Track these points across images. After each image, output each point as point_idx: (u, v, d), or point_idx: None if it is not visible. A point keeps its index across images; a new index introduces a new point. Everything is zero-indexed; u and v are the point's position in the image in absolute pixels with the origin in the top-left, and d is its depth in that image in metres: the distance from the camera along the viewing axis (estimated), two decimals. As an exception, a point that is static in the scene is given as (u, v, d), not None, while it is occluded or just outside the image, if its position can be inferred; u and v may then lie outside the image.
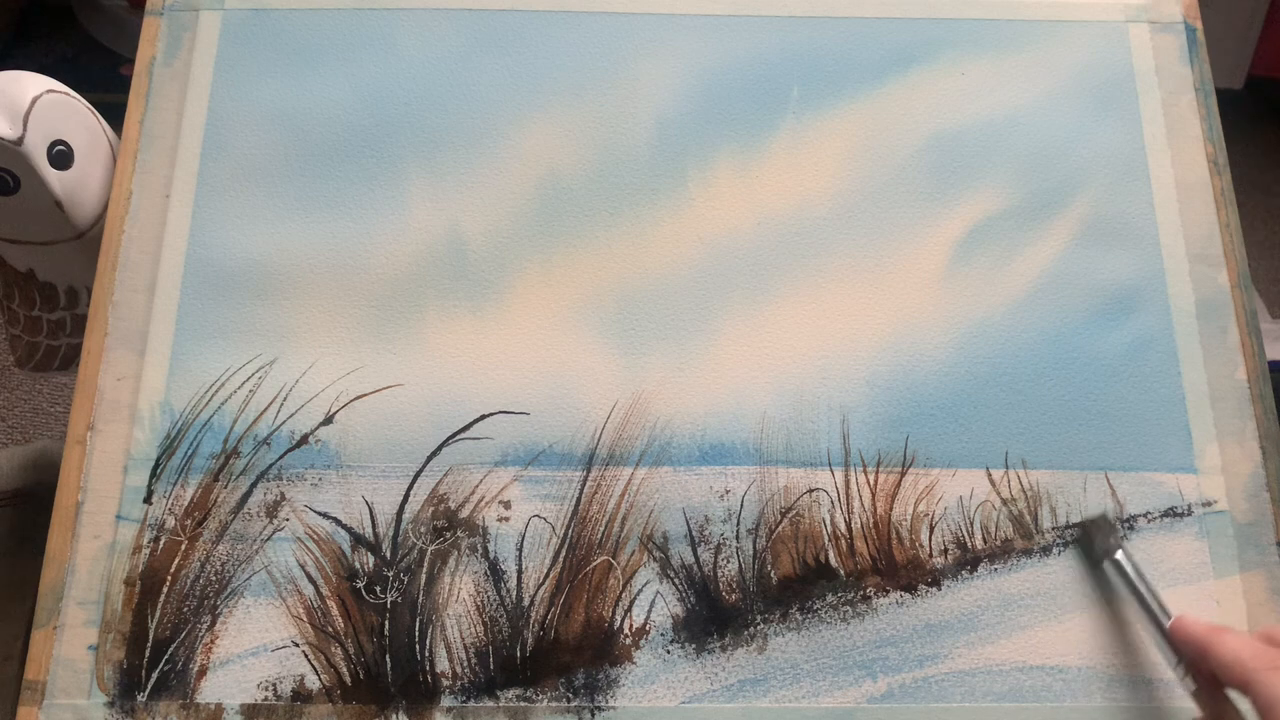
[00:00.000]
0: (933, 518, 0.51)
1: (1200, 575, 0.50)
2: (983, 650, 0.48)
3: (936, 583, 0.50)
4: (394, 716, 0.47)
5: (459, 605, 0.49)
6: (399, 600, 0.49)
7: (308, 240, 0.55)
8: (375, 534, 0.50)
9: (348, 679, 0.48)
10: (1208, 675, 0.42)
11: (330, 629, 0.48)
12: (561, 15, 0.59)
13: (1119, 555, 0.47)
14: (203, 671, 0.47)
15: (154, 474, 0.50)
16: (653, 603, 0.49)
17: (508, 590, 0.49)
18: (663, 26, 0.59)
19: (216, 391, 0.52)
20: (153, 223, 0.55)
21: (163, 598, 0.49)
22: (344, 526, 0.50)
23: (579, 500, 0.50)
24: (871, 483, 0.51)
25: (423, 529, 0.50)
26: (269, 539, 0.50)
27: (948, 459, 0.51)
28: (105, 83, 1.30)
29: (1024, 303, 0.54)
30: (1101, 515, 0.50)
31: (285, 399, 0.52)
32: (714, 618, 0.49)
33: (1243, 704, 0.40)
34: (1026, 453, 0.52)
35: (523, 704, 0.47)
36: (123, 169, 0.55)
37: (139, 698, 0.47)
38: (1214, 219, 0.55)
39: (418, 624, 0.49)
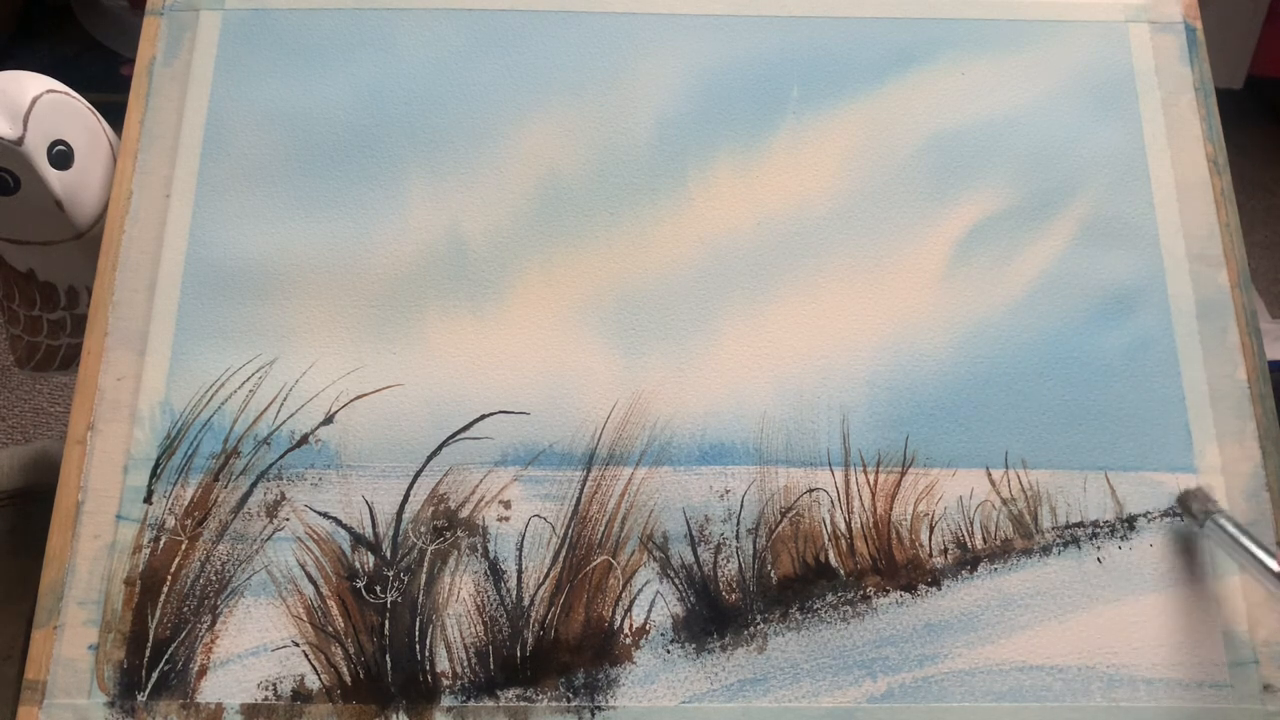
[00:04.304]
0: (933, 518, 0.51)
1: (1200, 575, 0.50)
2: (983, 650, 0.49)
3: (936, 583, 0.50)
4: (394, 716, 0.47)
5: (459, 605, 0.49)
6: (399, 600, 0.49)
7: (308, 240, 0.55)
8: (375, 534, 0.50)
9: (348, 679, 0.48)
10: None
11: (330, 629, 0.48)
12: (561, 15, 0.59)
13: (1219, 517, 0.48)
14: (203, 671, 0.48)
15: (154, 474, 0.50)
16: (653, 602, 0.49)
17: (508, 590, 0.49)
18: (663, 26, 0.59)
19: (216, 391, 0.52)
20: (153, 223, 0.55)
21: (163, 597, 0.49)
22: (344, 526, 0.50)
23: (579, 500, 0.50)
24: (871, 482, 0.51)
25: (423, 529, 0.50)
26: (269, 539, 0.50)
27: (948, 459, 0.51)
28: (105, 83, 1.30)
29: (1024, 303, 0.54)
30: (1196, 487, 0.51)
31: (285, 399, 0.52)
32: (714, 618, 0.49)
33: None
34: (1026, 452, 0.52)
35: (523, 704, 0.47)
36: (123, 169, 0.55)
37: (139, 697, 0.47)
38: (1214, 219, 0.55)
39: (418, 624, 0.49)
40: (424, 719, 0.47)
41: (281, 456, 0.51)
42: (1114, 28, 0.60)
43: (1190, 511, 0.50)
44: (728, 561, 0.50)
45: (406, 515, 0.50)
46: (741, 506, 0.51)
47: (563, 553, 0.50)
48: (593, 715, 0.47)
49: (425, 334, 0.53)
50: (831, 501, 0.51)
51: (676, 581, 0.49)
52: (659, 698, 0.48)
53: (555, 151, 0.57)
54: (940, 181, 0.56)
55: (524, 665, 0.48)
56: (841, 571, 0.50)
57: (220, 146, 0.56)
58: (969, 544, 0.50)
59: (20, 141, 0.52)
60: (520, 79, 0.58)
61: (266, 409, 0.52)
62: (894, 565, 0.50)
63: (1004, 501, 0.51)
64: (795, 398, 0.52)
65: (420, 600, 0.49)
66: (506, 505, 0.50)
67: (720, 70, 0.58)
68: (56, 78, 0.55)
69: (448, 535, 0.50)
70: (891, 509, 0.51)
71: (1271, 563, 0.44)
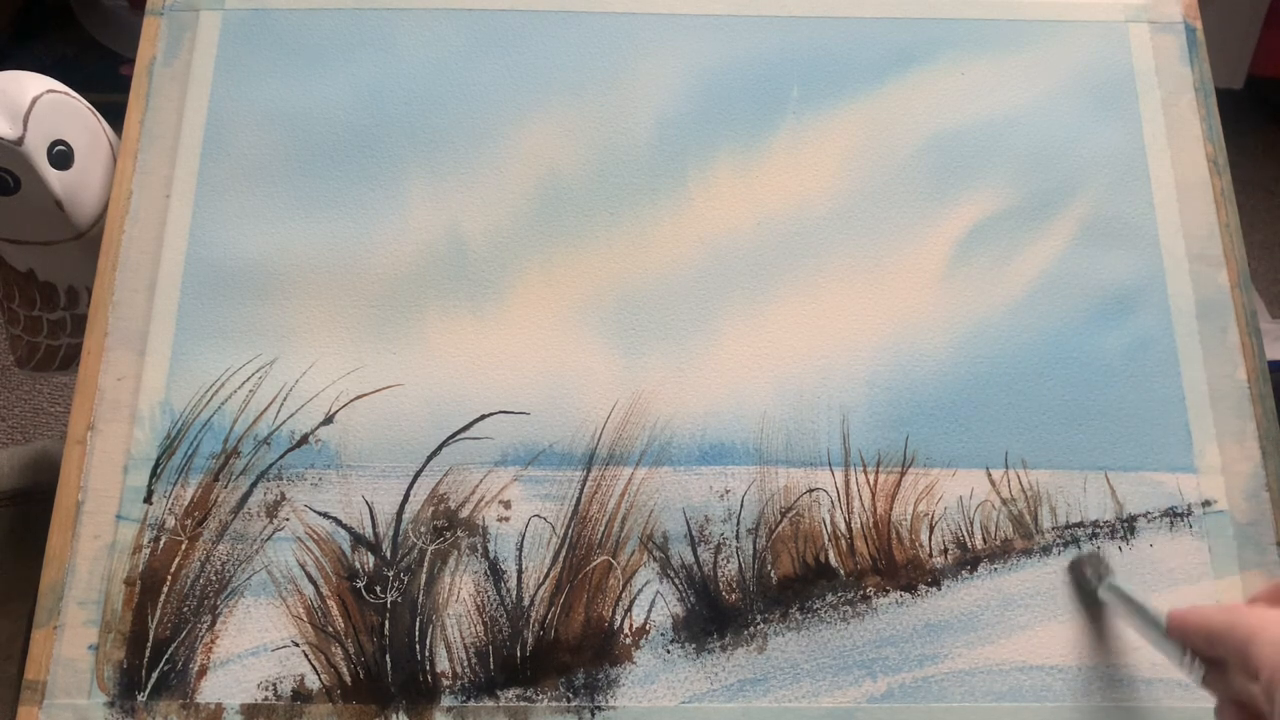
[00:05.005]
0: (933, 518, 0.51)
1: (1200, 575, 0.50)
2: (983, 650, 0.48)
3: (936, 583, 0.50)
4: (394, 716, 0.47)
5: (459, 605, 0.49)
6: (399, 600, 0.49)
7: (308, 240, 0.55)
8: (375, 534, 0.50)
9: (348, 679, 0.48)
10: (1213, 659, 0.41)
11: (330, 629, 0.48)
12: (562, 15, 0.59)
13: (1113, 579, 0.48)
14: (203, 671, 0.48)
15: (154, 474, 0.50)
16: (653, 603, 0.49)
17: (508, 590, 0.49)
18: (663, 26, 0.59)
19: (216, 391, 0.52)
20: (153, 223, 0.55)
21: (163, 597, 0.49)
22: (344, 526, 0.50)
23: (579, 500, 0.50)
24: (871, 482, 0.51)
25: (423, 529, 0.50)
26: (269, 539, 0.50)
27: (948, 459, 0.51)
28: (105, 83, 1.30)
29: (1024, 303, 0.54)
30: (1088, 552, 0.50)
31: (285, 399, 0.52)
32: (714, 618, 0.49)
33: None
34: (1026, 453, 0.52)
35: (523, 704, 0.47)
36: (123, 169, 0.55)
37: (139, 697, 0.47)
38: (1214, 219, 0.55)
39: (418, 624, 0.49)
40: (424, 719, 0.47)
41: (281, 456, 0.51)
42: (1114, 28, 0.60)
43: (1084, 575, 0.49)
44: (728, 561, 0.50)
45: (406, 515, 0.50)
46: (741, 506, 0.51)
47: (563, 553, 0.50)
48: (593, 715, 0.47)
49: (425, 334, 0.53)
50: (831, 501, 0.51)
51: (676, 581, 0.49)
52: (659, 698, 0.48)
53: (555, 151, 0.57)
54: (940, 181, 0.56)
55: (524, 665, 0.48)
56: (841, 571, 0.50)
57: (220, 146, 0.56)
58: (969, 544, 0.50)
59: (20, 141, 0.52)
60: (520, 79, 0.58)
61: (266, 409, 0.52)
62: (894, 565, 0.50)
63: (1004, 501, 0.51)
64: (795, 398, 0.52)
65: (420, 600, 0.49)
66: (506, 505, 0.50)
67: (720, 70, 0.58)
68: (56, 78, 0.55)
69: (448, 535, 0.50)
70: (891, 509, 0.51)
71: (1163, 623, 0.43)
